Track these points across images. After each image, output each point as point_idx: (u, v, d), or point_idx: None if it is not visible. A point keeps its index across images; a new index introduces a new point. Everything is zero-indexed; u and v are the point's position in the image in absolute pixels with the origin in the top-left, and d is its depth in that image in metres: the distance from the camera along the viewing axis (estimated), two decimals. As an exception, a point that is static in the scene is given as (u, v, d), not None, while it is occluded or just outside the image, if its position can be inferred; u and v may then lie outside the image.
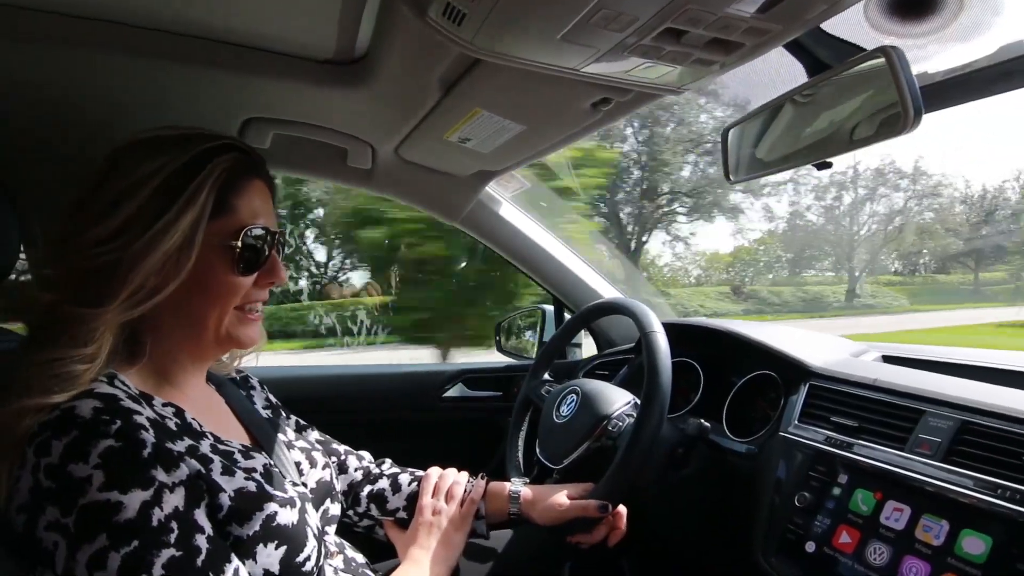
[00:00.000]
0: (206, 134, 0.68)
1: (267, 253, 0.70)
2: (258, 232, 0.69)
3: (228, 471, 0.63)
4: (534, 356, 1.72)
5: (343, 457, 0.99)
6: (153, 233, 0.61)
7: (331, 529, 0.82)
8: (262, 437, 0.78)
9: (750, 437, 1.00)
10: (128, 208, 0.61)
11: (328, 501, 0.82)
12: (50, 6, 0.77)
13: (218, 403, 0.78)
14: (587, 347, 1.70)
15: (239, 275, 0.68)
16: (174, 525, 0.54)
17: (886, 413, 0.82)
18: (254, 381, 0.91)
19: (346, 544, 0.84)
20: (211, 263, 0.66)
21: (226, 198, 0.66)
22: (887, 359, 1.08)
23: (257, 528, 0.61)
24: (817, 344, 1.11)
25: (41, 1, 0.76)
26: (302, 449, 0.84)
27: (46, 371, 0.57)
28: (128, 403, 0.58)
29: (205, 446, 0.64)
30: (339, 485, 0.93)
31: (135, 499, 0.53)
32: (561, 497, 0.89)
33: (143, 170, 0.63)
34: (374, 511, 0.95)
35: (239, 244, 0.66)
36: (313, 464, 0.83)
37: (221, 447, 0.66)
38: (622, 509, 0.92)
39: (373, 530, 0.97)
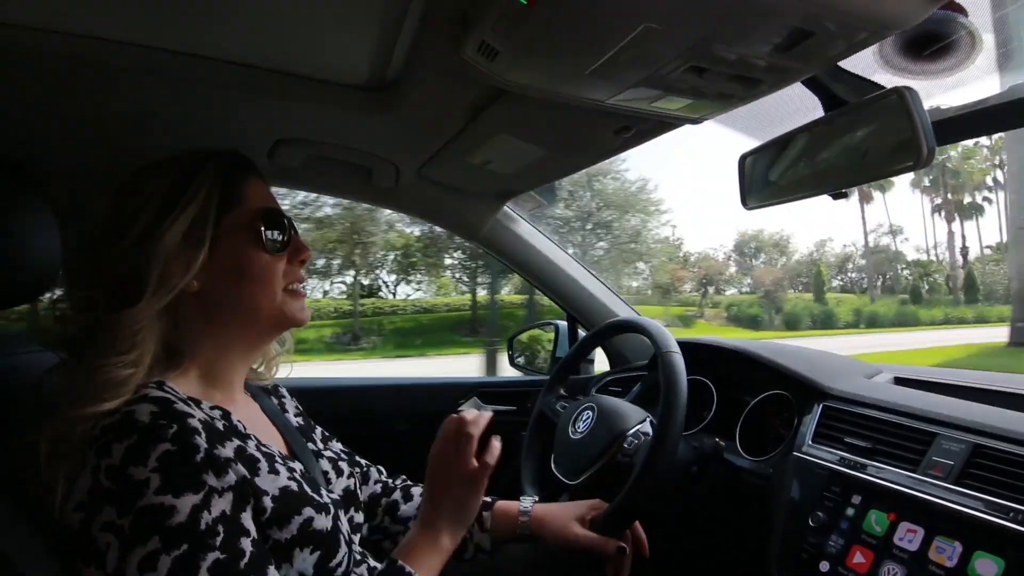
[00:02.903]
0: (201, 148, 0.76)
1: (289, 233, 0.77)
2: (276, 213, 0.75)
3: (274, 470, 0.66)
4: (547, 371, 1.74)
5: (365, 469, 1.01)
6: (163, 230, 0.66)
7: (356, 538, 0.84)
8: (296, 445, 0.81)
9: (763, 456, 1.01)
10: (144, 217, 0.67)
11: (353, 510, 0.84)
12: (93, 32, 0.81)
13: (256, 410, 0.82)
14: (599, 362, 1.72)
15: (271, 253, 0.74)
16: (220, 528, 0.57)
17: (900, 435, 0.83)
18: (283, 390, 0.93)
19: (368, 554, 0.86)
20: (243, 250, 0.72)
21: (234, 190, 0.73)
22: (899, 381, 1.09)
23: (295, 532, 0.64)
24: (830, 365, 1.12)
25: (82, 27, 0.80)
26: (329, 458, 0.87)
27: (93, 378, 0.60)
28: (181, 406, 0.61)
29: (251, 446, 0.67)
30: (361, 496, 0.96)
31: (187, 503, 0.55)
32: (575, 525, 0.90)
33: (152, 183, 0.70)
34: (387, 522, 0.97)
35: (262, 224, 0.73)
36: (339, 473, 0.86)
37: (264, 449, 0.69)
38: (642, 535, 0.94)
39: (381, 545, 0.97)
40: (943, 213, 35.91)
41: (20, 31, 0.78)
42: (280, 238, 0.75)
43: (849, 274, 37.19)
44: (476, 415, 0.80)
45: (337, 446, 0.96)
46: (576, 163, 1.08)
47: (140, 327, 0.64)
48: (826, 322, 25.32)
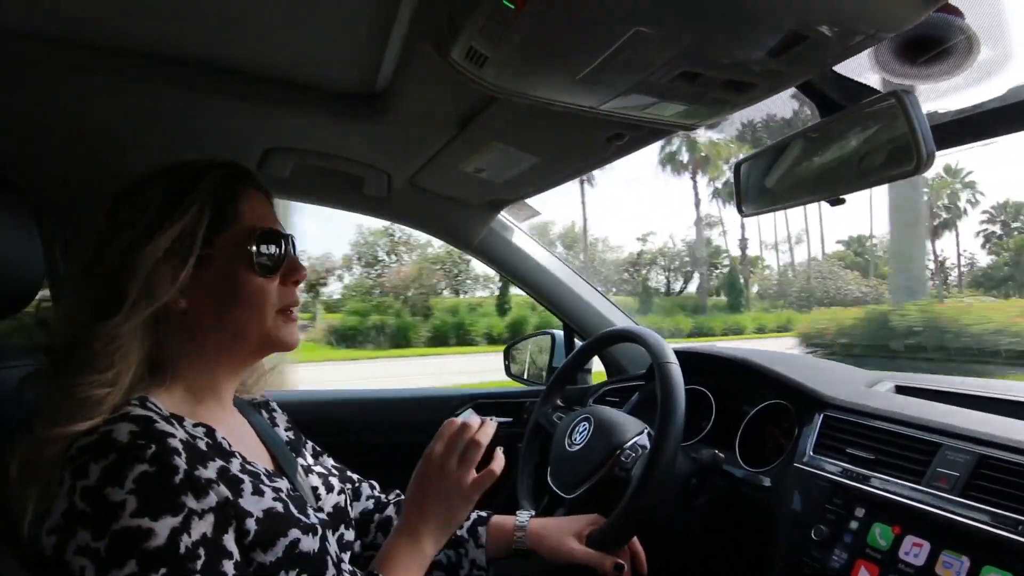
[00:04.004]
0: (199, 158, 0.73)
1: (284, 253, 0.73)
2: (270, 233, 0.72)
3: (258, 491, 0.64)
4: (543, 381, 1.72)
5: (357, 484, 0.99)
6: (150, 247, 0.64)
7: (346, 556, 0.82)
8: (284, 462, 0.78)
9: (764, 467, 0.99)
10: (132, 231, 0.65)
11: (343, 527, 0.82)
12: (79, 39, 0.80)
13: (244, 426, 0.80)
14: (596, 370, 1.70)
15: (263, 277, 0.71)
16: (201, 552, 0.55)
17: (903, 446, 0.82)
18: (274, 404, 0.92)
19: (359, 572, 0.84)
20: (234, 272, 0.69)
21: (228, 207, 0.70)
22: (901, 390, 1.07)
23: (280, 555, 0.62)
24: (830, 374, 1.11)
25: (72, 35, 0.79)
26: (319, 474, 0.85)
27: (67, 397, 0.58)
28: (162, 425, 0.59)
29: (235, 466, 0.65)
30: (352, 512, 0.93)
31: (165, 526, 0.54)
32: (572, 541, 0.88)
33: (144, 197, 0.68)
34: (380, 539, 0.95)
35: (254, 247, 0.70)
36: (330, 489, 0.84)
37: (249, 467, 0.67)
38: (640, 551, 0.92)
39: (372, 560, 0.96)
40: (720, 198, 31.24)
41: (4, 37, 0.77)
42: (273, 259, 0.72)
43: (666, 272, 33.44)
44: (482, 422, 0.79)
45: (329, 462, 0.94)
46: (569, 171, 1.07)
47: (119, 343, 0.62)
48: (440, 338, 19.14)
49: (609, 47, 0.58)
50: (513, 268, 1.50)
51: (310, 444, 0.93)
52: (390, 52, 0.82)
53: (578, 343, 1.63)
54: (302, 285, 0.78)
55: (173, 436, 0.58)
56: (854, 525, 0.79)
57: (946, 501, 0.72)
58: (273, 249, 0.72)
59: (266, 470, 0.70)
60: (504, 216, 1.42)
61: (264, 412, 0.88)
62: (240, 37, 0.82)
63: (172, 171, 0.70)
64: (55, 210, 1.06)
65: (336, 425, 1.52)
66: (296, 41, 0.83)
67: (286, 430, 0.88)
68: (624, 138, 0.88)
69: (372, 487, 1.01)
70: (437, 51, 0.68)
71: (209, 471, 0.60)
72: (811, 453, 0.91)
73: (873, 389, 1.06)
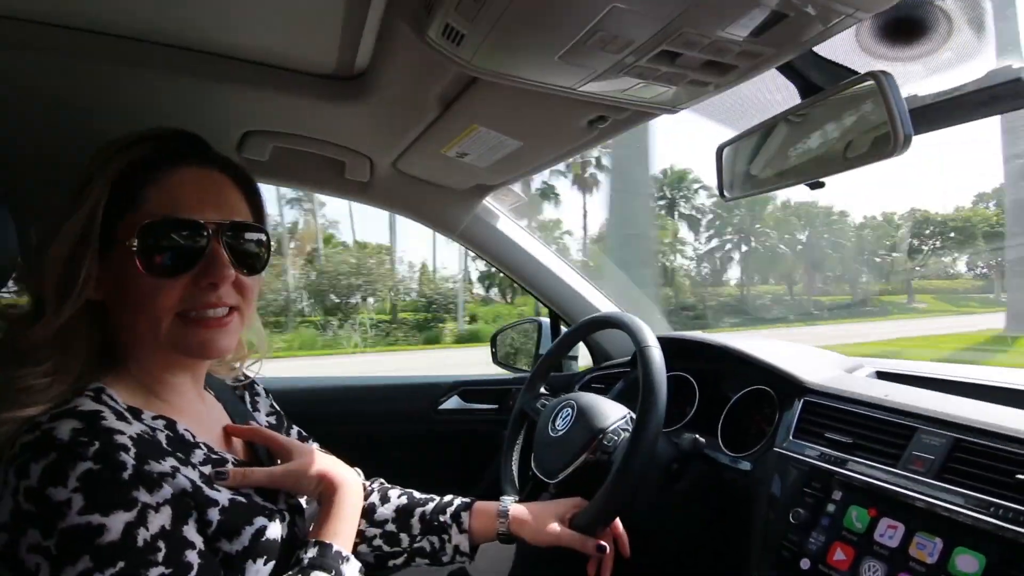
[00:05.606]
0: (134, 132, 0.65)
1: (197, 248, 0.62)
2: (170, 223, 0.61)
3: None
4: (529, 368, 1.71)
5: None
6: (59, 236, 0.60)
7: None
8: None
9: (745, 452, 1.00)
10: (50, 224, 0.61)
11: None
12: (55, 18, 0.78)
13: (216, 412, 0.77)
14: (583, 359, 1.70)
15: (152, 276, 0.61)
16: (161, 544, 0.54)
17: (879, 430, 0.82)
18: (260, 388, 0.90)
19: None
20: (124, 268, 0.61)
21: (135, 191, 0.62)
22: (881, 375, 1.08)
23: (246, 543, 0.61)
24: (812, 359, 1.11)
25: (45, 13, 0.77)
26: None
27: (11, 386, 0.56)
28: (111, 421, 0.56)
29: (198, 456, 0.63)
30: None
31: (118, 521, 0.52)
32: (555, 524, 0.88)
33: (77, 179, 0.63)
34: (363, 525, 0.94)
35: (140, 239, 0.60)
36: None
37: (214, 457, 0.66)
38: (623, 533, 0.92)
39: (356, 548, 0.94)
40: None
41: None
42: (169, 256, 0.61)
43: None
44: None
45: (313, 447, 0.93)
46: (553, 155, 1.06)
47: (50, 340, 0.59)
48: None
49: (587, 24, 0.57)
50: (499, 255, 1.49)
51: (295, 429, 0.92)
52: (368, 32, 0.80)
53: (564, 330, 1.63)
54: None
55: (121, 433, 0.56)
56: (831, 508, 0.80)
57: (921, 484, 0.73)
58: (171, 244, 0.61)
59: (235, 459, 0.69)
60: (489, 202, 1.41)
61: (247, 395, 0.86)
62: (217, 17, 0.80)
63: (102, 149, 0.64)
64: (31, 196, 1.03)
65: (321, 412, 1.51)
66: (273, 21, 0.81)
67: (268, 415, 0.87)
68: (607, 121, 0.87)
69: (357, 474, 1.00)
70: (413, 29, 0.67)
71: (163, 466, 0.58)
72: (791, 438, 0.92)
73: (853, 374, 1.07)
